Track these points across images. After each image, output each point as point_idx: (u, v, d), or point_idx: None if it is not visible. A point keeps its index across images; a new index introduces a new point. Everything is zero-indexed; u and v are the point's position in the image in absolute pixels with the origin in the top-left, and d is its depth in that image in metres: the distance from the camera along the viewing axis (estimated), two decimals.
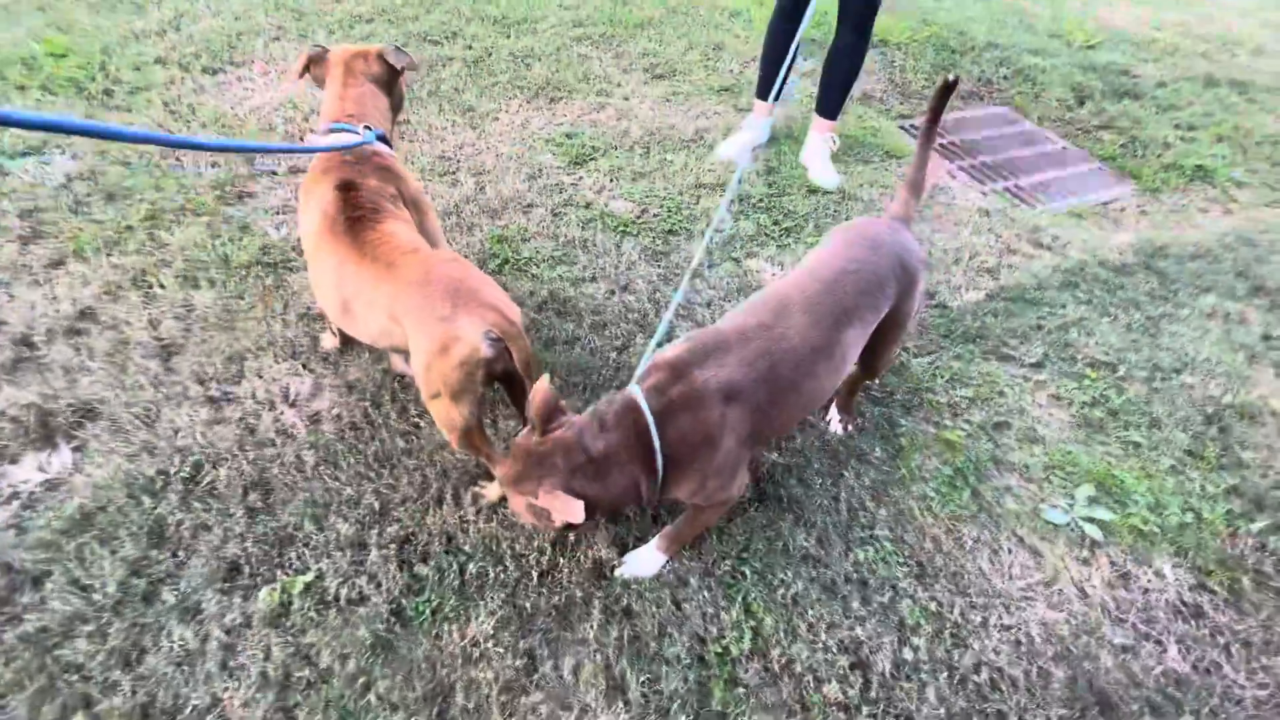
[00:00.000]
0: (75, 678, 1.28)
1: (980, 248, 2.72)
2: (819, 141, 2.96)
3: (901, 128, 3.63)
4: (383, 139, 1.64)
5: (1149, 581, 1.65)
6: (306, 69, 1.73)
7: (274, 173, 2.56)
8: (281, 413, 1.77)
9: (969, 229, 2.84)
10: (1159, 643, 1.53)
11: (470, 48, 3.56)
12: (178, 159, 2.54)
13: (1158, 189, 3.43)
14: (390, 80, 1.79)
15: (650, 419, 1.21)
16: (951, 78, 1.51)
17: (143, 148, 2.56)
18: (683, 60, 3.79)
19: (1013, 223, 2.93)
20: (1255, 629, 1.56)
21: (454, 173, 2.70)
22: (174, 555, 1.47)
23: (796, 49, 2.22)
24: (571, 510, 1.12)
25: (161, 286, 2.06)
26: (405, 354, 1.50)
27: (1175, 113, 4.09)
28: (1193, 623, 1.58)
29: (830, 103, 2.90)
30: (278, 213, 2.41)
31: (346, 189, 1.47)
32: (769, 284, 1.49)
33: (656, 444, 1.21)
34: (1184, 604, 1.61)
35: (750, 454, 1.35)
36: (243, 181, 2.50)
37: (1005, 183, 3.30)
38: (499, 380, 1.42)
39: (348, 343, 1.93)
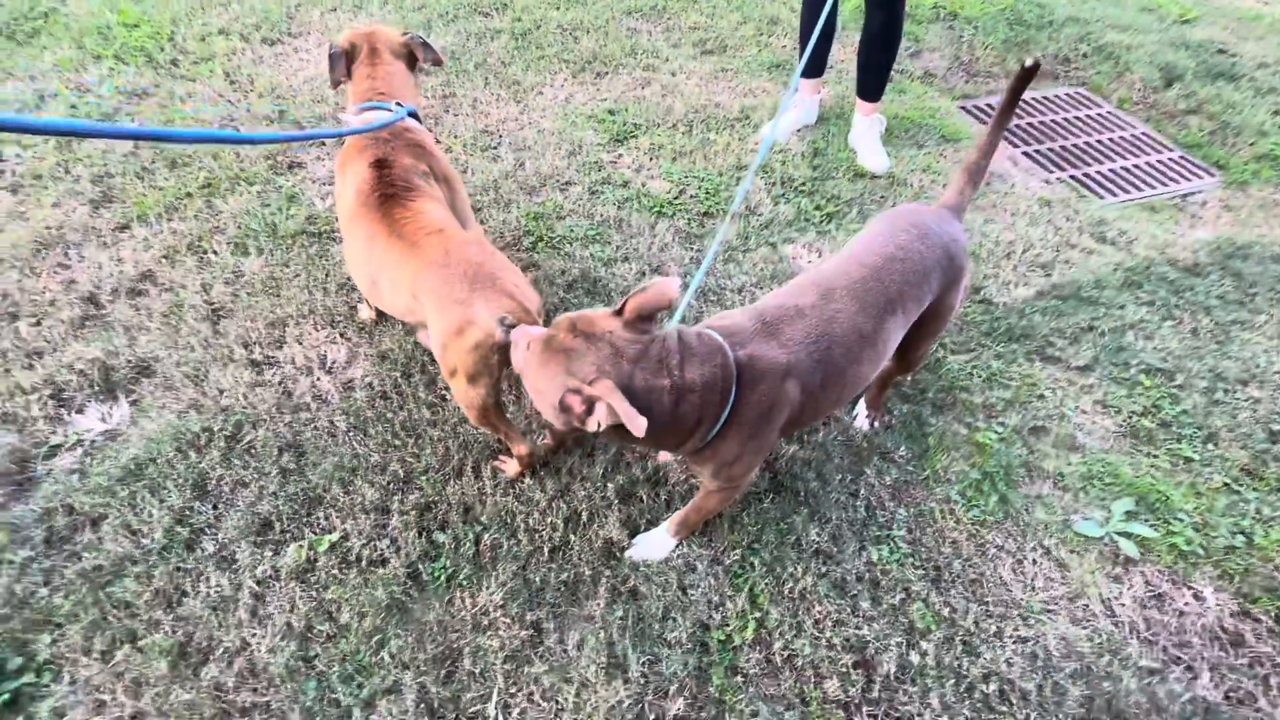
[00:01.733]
0: (123, 614, 1.39)
1: (1035, 240, 2.57)
2: (864, 124, 2.85)
3: (964, 109, 3.44)
4: (414, 115, 1.67)
5: (1186, 604, 1.56)
6: (345, 69, 1.73)
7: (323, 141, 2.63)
8: (318, 379, 1.85)
9: (1025, 220, 2.69)
10: (1190, 668, 1.46)
11: (519, 19, 3.55)
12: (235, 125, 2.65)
13: (1246, 181, 3.16)
14: (412, 64, 1.81)
15: (734, 369, 1.16)
16: (1030, 61, 1.41)
17: (204, 118, 2.67)
18: (735, 35, 3.68)
19: (1075, 215, 2.76)
20: None
21: (495, 147, 2.72)
22: (214, 508, 1.57)
23: (828, 21, 2.12)
24: (634, 421, 1.00)
25: (214, 253, 2.17)
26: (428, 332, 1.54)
27: (1276, 97, 3.73)
28: (1231, 651, 1.50)
29: (870, 85, 2.76)
30: (324, 184, 2.49)
31: (381, 166, 1.50)
32: (809, 267, 1.43)
33: (732, 395, 1.16)
34: (1223, 630, 1.53)
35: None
36: (293, 152, 2.59)
37: (1073, 171, 3.09)
38: None
39: (382, 315, 1.99)
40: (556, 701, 1.34)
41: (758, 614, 1.48)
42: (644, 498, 1.67)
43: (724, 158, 2.80)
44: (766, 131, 2.93)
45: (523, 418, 1.79)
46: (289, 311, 2.00)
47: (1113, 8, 4.44)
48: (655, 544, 1.55)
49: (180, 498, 1.57)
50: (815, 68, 2.87)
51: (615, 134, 2.85)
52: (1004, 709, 1.36)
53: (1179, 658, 1.48)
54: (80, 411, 1.75)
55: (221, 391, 1.80)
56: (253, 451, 1.68)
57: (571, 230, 2.38)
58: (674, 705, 1.34)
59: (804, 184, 2.73)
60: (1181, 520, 1.70)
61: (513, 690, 1.35)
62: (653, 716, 1.32)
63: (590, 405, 1.04)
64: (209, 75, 2.90)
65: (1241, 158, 3.28)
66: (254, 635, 1.38)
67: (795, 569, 1.55)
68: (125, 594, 1.41)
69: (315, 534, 1.54)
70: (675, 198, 2.57)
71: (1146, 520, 1.69)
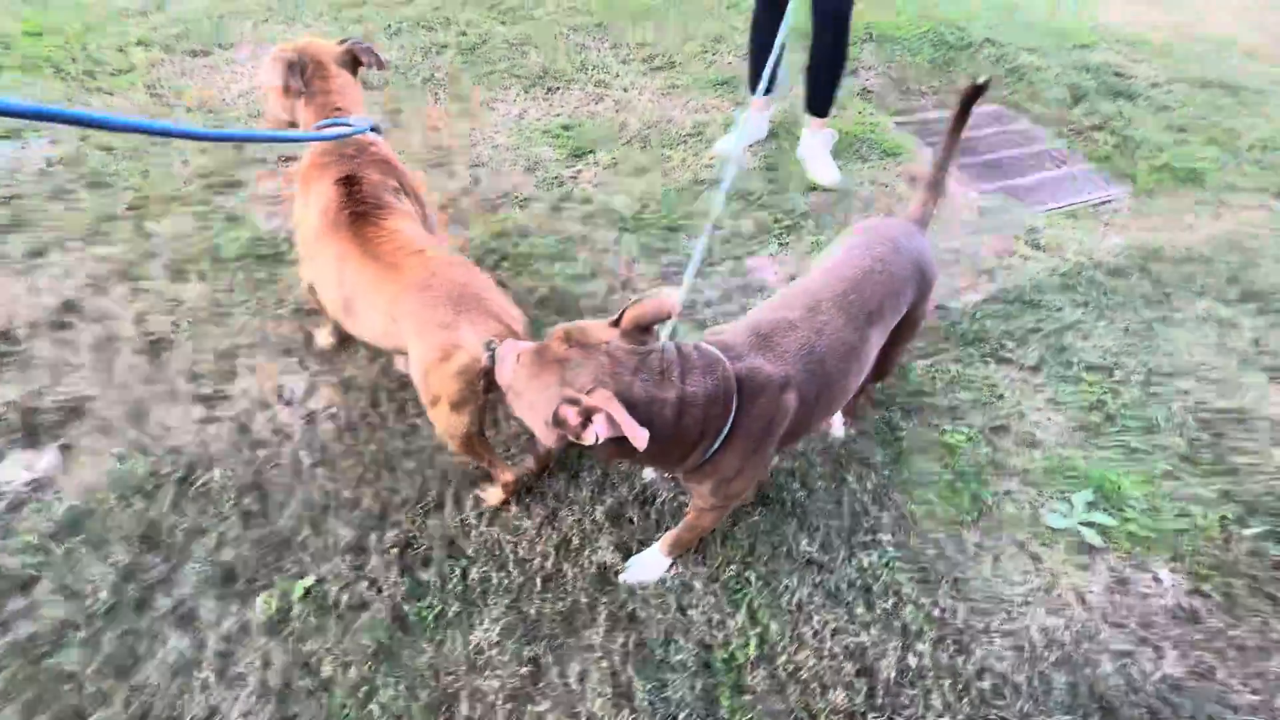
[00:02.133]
0: (68, 687, 1.24)
1: (977, 247, 2.72)
2: (814, 139, 2.94)
3: (900, 124, 3.62)
4: (374, 129, 1.59)
5: (1146, 587, 1.67)
6: (299, 83, 1.57)
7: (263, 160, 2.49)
8: (277, 412, 1.73)
9: (968, 229, 2.84)
10: (1157, 648, 1.55)
11: (465, 34, 3.49)
12: (167, 145, 2.46)
13: (1151, 191, 3.45)
14: (354, 72, 1.70)
15: (734, 382, 1.14)
16: (981, 80, 1.49)
17: (124, 137, 2.47)
18: (681, 51, 3.74)
19: (1009, 224, 2.94)
20: (1249, 634, 1.59)
21: (449, 164, 2.65)
22: (167, 560, 1.43)
23: (783, 43, 2.19)
24: (635, 433, 0.96)
25: (148, 278, 1.99)
26: (406, 358, 1.46)
27: (1168, 114, 4.11)
28: (1189, 628, 1.60)
29: (818, 100, 2.86)
30: (268, 202, 2.35)
31: (348, 183, 1.42)
32: (790, 283, 1.45)
33: (734, 409, 1.14)
34: (1181, 609, 1.63)
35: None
36: (231, 169, 2.43)
37: (1002, 182, 3.30)
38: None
39: (344, 340, 1.89)
40: None
41: (758, 629, 1.47)
42: (634, 519, 1.63)
43: (681, 173, 2.82)
44: (721, 147, 2.99)
45: (503, 443, 1.73)
46: (239, 341, 1.87)
47: (1024, 31, 4.80)
48: (649, 565, 1.53)
49: (127, 551, 1.42)
50: (769, 86, 2.95)
51: (572, 149, 2.83)
52: (1000, 703, 1.41)
53: (1146, 638, 1.57)
54: None
55: (167, 430, 1.65)
56: (209, 495, 1.54)
57: (536, 247, 2.34)
58: None
59: (760, 198, 2.78)
60: (1134, 507, 1.82)
61: None
62: None
63: (588, 417, 0.99)
64: (128, 88, 2.69)
65: (1144, 170, 3.59)
66: (224, 700, 1.26)
67: (790, 580, 1.55)
68: (69, 664, 1.26)
69: (286, 581, 1.42)
70: (638, 213, 2.57)
71: (1105, 509, 1.80)
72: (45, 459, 1.58)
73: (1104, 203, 3.33)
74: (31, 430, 1.62)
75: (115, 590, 1.36)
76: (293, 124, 1.64)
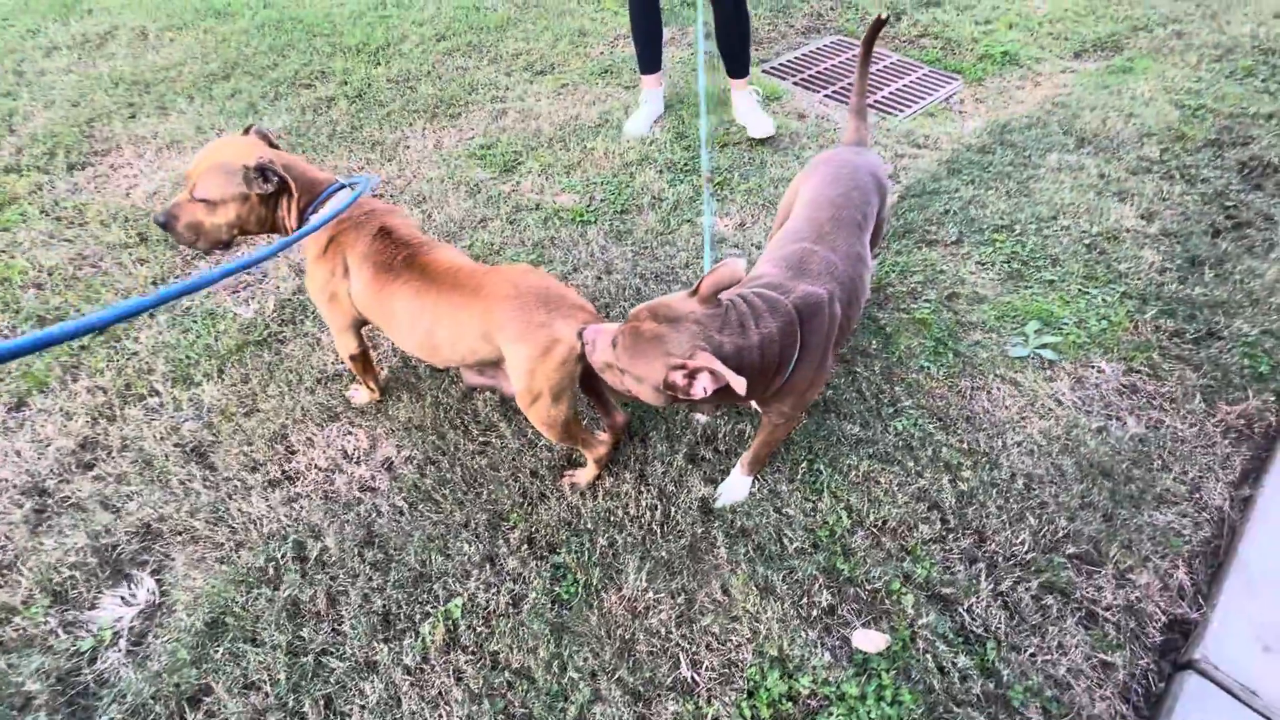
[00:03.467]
0: None
1: None
2: (742, 98, 3.19)
3: (765, 71, 3.98)
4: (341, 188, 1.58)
5: (1096, 378, 2.10)
6: (273, 182, 1.48)
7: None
8: (352, 472, 1.79)
9: None
10: (1119, 419, 1.99)
11: (346, 83, 3.47)
12: (99, 265, 2.34)
13: (980, 78, 4.03)
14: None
15: (794, 312, 1.33)
16: (885, 15, 1.81)
17: (48, 265, 2.33)
18: (555, 52, 3.90)
19: (889, 132, 3.37)
20: (1174, 387, 2.06)
21: (396, 206, 2.69)
22: (322, 627, 1.49)
23: (657, 21, 2.40)
24: (735, 380, 1.12)
25: (156, 394, 1.95)
26: (482, 367, 1.59)
27: (971, 11, 4.76)
28: (1134, 397, 2.05)
29: (736, 63, 3.13)
30: (234, 291, 2.31)
31: (386, 233, 1.52)
32: (792, 218, 1.68)
33: (799, 336, 1.34)
34: (1124, 386, 2.08)
35: None
36: (182, 270, 2.36)
37: (866, 101, 3.75)
38: (585, 371, 1.55)
39: (383, 393, 1.95)
40: (732, 639, 1.50)
41: (842, 504, 1.75)
42: (707, 456, 1.86)
43: (608, 160, 3.02)
44: (631, 129, 3.21)
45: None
46: (281, 422, 1.89)
47: None
48: (736, 487, 1.76)
49: (282, 632, 1.46)
50: (653, 64, 3.19)
51: (503, 165, 2.94)
52: (1036, 492, 1.77)
53: (1110, 415, 2.00)
54: (94, 607, 1.54)
55: (255, 521, 1.67)
56: (330, 561, 1.60)
57: (514, 260, 2.46)
58: (823, 597, 1.56)
59: (685, 165, 3.04)
60: (1068, 324, 2.26)
61: (693, 649, 1.48)
62: (813, 612, 1.54)
63: (693, 377, 1.19)
64: (22, 221, 2.51)
65: (969, 62, 4.18)
66: (440, 715, 1.36)
67: (850, 459, 1.84)
68: None
69: (440, 606, 1.53)
70: (588, 206, 2.75)
71: (1049, 333, 2.23)
72: (142, 587, 1.57)
73: (949, 97, 3.87)
74: (115, 565, 1.60)
75: (289, 668, 1.42)
76: (252, 227, 1.55)
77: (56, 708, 1.37)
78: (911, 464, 1.84)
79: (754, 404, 1.53)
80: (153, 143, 2.95)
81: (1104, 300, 2.36)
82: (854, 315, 1.55)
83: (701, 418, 1.95)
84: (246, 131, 1.57)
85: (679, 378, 1.19)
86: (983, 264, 2.53)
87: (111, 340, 2.09)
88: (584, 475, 1.76)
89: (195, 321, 2.17)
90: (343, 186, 1.60)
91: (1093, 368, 2.13)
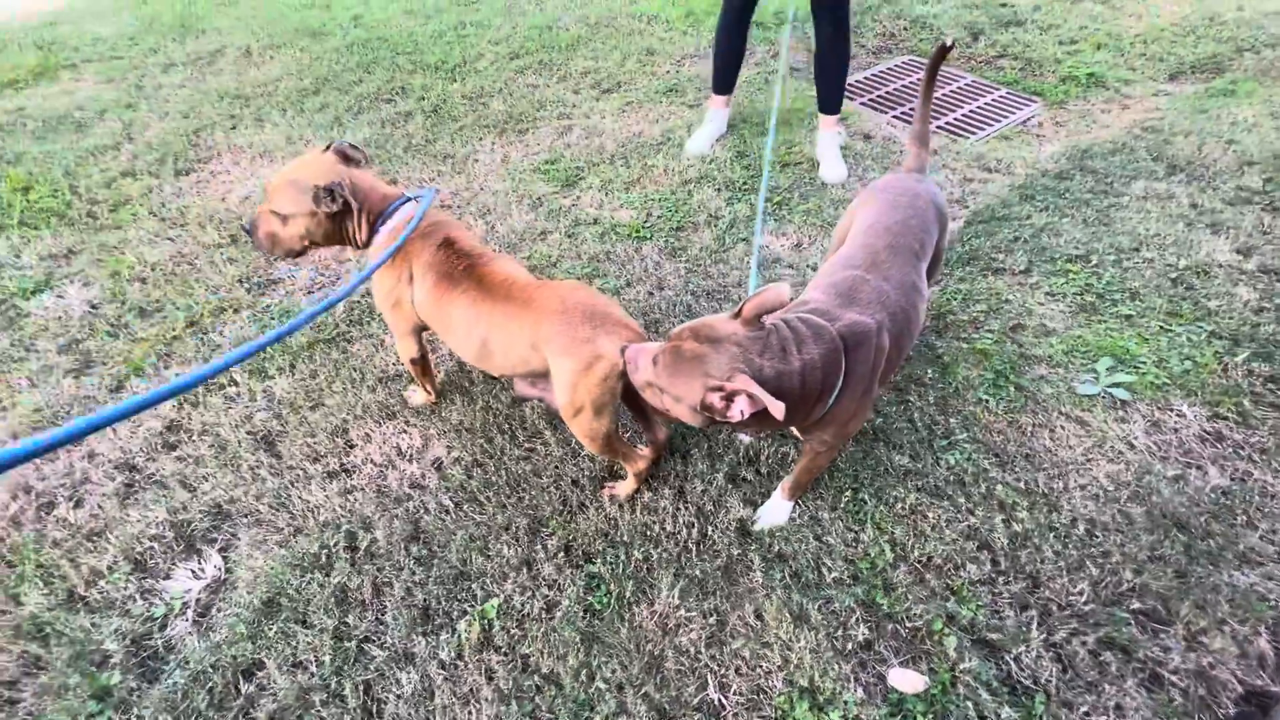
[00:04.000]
0: None
1: (942, 182, 3.04)
2: (828, 138, 3.10)
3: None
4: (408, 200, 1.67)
5: (1175, 422, 1.96)
6: (340, 201, 1.58)
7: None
8: (405, 469, 1.87)
9: (929, 169, 3.16)
10: (1200, 468, 1.85)
11: (423, 99, 3.66)
12: (195, 265, 2.56)
13: (1062, 101, 3.86)
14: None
15: (840, 341, 1.32)
16: (949, 42, 1.77)
17: (152, 261, 2.56)
18: (622, 71, 3.99)
19: (959, 155, 3.27)
20: (1265, 437, 1.90)
21: (461, 217, 2.81)
22: (366, 616, 1.57)
23: (741, 45, 2.40)
24: (774, 405, 1.11)
25: (234, 384, 2.11)
26: (534, 378, 1.64)
27: (1055, 31, 4.57)
28: (1218, 445, 1.90)
29: (828, 99, 3.04)
30: (309, 291, 2.47)
31: (449, 244, 1.60)
32: (847, 244, 1.66)
33: (844, 365, 1.32)
34: (1207, 433, 1.94)
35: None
36: (264, 271, 2.54)
37: (937, 122, 3.65)
38: (628, 387, 1.57)
39: (439, 395, 2.04)
40: (762, 666, 1.47)
41: (886, 537, 1.69)
42: (748, 477, 1.84)
43: (668, 177, 3.06)
44: (692, 148, 3.24)
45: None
46: (342, 417, 2.00)
47: None
48: (776, 511, 1.74)
49: (330, 617, 1.55)
50: (726, 85, 3.21)
51: (565, 180, 3.03)
52: (1099, 540, 1.67)
53: (1189, 463, 1.86)
54: (168, 577, 1.67)
55: (315, 509, 1.77)
56: (378, 553, 1.68)
57: (569, 273, 2.53)
58: (858, 631, 1.52)
59: (744, 184, 3.04)
60: (1146, 362, 2.12)
61: (722, 671, 1.47)
62: (848, 645, 1.50)
63: (730, 399, 1.18)
64: (133, 220, 2.77)
65: (1050, 84, 4.01)
66: (470, 712, 1.40)
67: (897, 491, 1.79)
68: None
69: (478, 605, 1.58)
70: (645, 221, 2.79)
71: (1124, 370, 2.10)
72: (210, 563, 1.69)
73: (1026, 120, 3.72)
74: (189, 541, 1.73)
75: (334, 652, 1.49)
76: (320, 240, 1.64)
77: (130, 667, 1.49)
78: (963, 500, 1.77)
79: (794, 430, 1.51)
80: (248, 152, 3.20)
81: (1189, 339, 2.21)
82: (905, 346, 1.51)
83: (745, 439, 1.94)
84: (328, 149, 1.68)
85: (716, 399, 1.18)
86: (1053, 295, 2.41)
87: (200, 332, 2.28)
88: (624, 488, 1.78)
89: (273, 319, 2.33)
90: (408, 200, 1.69)
91: (1172, 411, 1.99)
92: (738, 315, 1.27)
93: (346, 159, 1.67)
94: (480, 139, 3.35)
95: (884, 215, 1.65)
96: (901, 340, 1.48)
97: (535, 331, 1.46)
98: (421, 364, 1.87)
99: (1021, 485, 1.80)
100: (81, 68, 4.00)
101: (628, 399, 1.65)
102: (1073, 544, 1.67)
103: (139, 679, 1.48)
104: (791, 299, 1.30)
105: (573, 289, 1.50)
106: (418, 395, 2.03)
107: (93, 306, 2.37)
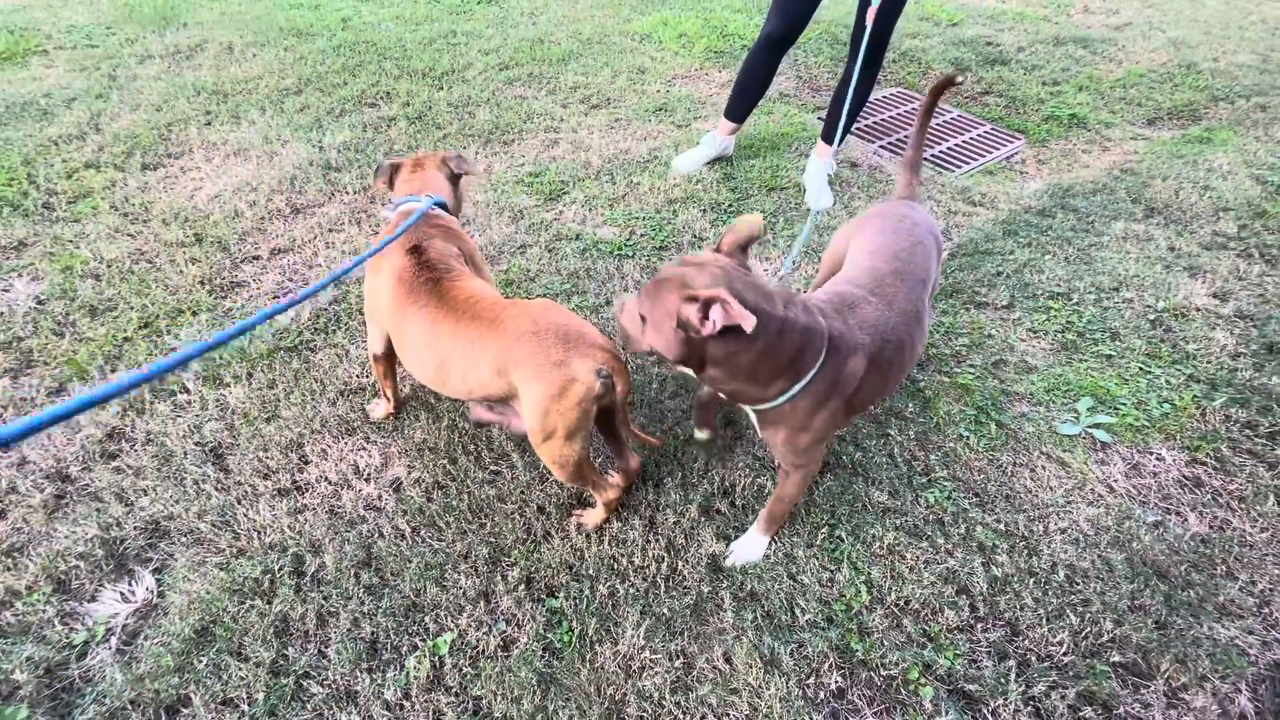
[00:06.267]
0: None
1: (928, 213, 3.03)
2: (818, 165, 3.07)
3: (819, 119, 3.95)
4: (442, 205, 1.69)
5: (1155, 466, 1.94)
6: (389, 178, 1.77)
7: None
8: (360, 489, 1.77)
9: None
10: (1179, 514, 1.82)
11: (408, 104, 3.59)
12: (155, 260, 2.44)
13: (1044, 139, 3.91)
14: (454, 180, 1.83)
15: (823, 354, 1.27)
16: (960, 79, 1.76)
17: (109, 258, 2.43)
18: (612, 87, 3.97)
19: (944, 188, 3.28)
20: (1243, 484, 1.88)
21: None
22: (308, 648, 1.45)
23: (767, 81, 2.46)
24: (746, 318, 1.07)
25: (185, 391, 1.99)
26: (494, 403, 1.56)
27: (1039, 71, 4.66)
28: (1197, 492, 1.88)
29: (834, 128, 3.00)
30: (274, 296, 2.37)
31: (417, 252, 1.52)
32: (826, 276, 1.62)
33: (822, 354, 1.27)
34: (1186, 478, 1.91)
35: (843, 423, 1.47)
36: (229, 272, 2.43)
37: (924, 154, 3.67)
38: (601, 412, 1.49)
39: (400, 407, 1.95)
40: (730, 714, 1.39)
41: (862, 577, 1.63)
42: (723, 510, 1.77)
43: (652, 196, 3.02)
44: (680, 165, 3.20)
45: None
46: (299, 431, 1.89)
47: (900, 20, 5.32)
48: (750, 546, 1.66)
49: (268, 649, 1.43)
50: (740, 114, 3.15)
51: (548, 193, 2.97)
52: (1080, 587, 1.62)
53: (1168, 508, 1.83)
54: (93, 600, 1.54)
55: (260, 529, 1.66)
56: (325, 579, 1.57)
57: (547, 289, 2.46)
58: (832, 679, 1.45)
59: (730, 206, 3.01)
60: (1126, 404, 2.11)
61: (688, 719, 1.38)
62: (820, 694, 1.42)
63: (706, 310, 1.12)
64: (93, 213, 2.65)
65: (1034, 122, 4.07)
66: None
67: (875, 529, 1.73)
68: None
69: (429, 640, 1.47)
70: (628, 239, 2.74)
71: (1104, 411, 2.08)
72: (141, 585, 1.56)
73: (1010, 156, 3.76)
74: (120, 560, 1.60)
75: (269, 688, 1.38)
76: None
77: (39, 700, 1.36)
78: (941, 540, 1.71)
79: (754, 418, 1.42)
80: (222, 149, 3.09)
81: (1167, 381, 2.20)
82: (893, 378, 1.45)
83: (701, 435, 1.87)
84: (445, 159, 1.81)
85: (693, 312, 1.14)
86: (1034, 331, 2.40)
87: (154, 335, 2.16)
88: (592, 517, 1.69)
89: (229, 318, 2.22)
90: (413, 200, 1.64)
91: (1151, 454, 1.97)
92: (718, 250, 1.24)
93: (450, 169, 1.82)
94: (464, 147, 3.28)
95: (889, 241, 1.60)
96: (890, 371, 1.42)
97: (505, 355, 1.38)
98: (385, 364, 1.78)
99: (1002, 527, 1.75)
100: (53, 54, 3.86)
101: (601, 425, 1.59)
102: (1052, 591, 1.62)
103: (49, 714, 1.35)
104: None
105: (544, 308, 1.43)
106: (379, 407, 1.93)
107: (39, 302, 2.24)
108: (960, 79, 1.78)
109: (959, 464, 1.92)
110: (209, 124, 3.26)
